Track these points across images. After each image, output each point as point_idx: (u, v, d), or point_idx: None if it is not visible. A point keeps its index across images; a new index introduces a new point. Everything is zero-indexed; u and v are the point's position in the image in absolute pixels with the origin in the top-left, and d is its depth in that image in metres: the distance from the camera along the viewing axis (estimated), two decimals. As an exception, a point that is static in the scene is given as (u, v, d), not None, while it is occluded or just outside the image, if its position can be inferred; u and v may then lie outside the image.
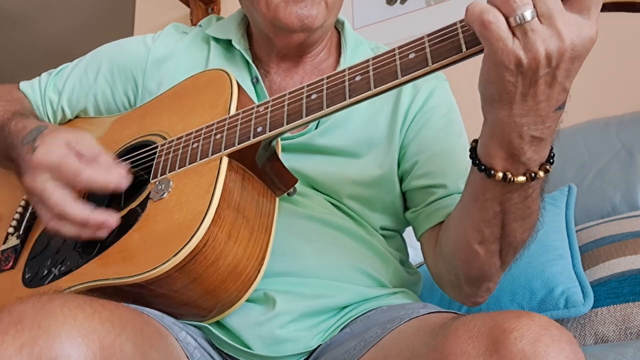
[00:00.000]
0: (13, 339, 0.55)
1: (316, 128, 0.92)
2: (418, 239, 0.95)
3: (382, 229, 0.95)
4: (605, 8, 0.62)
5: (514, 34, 0.59)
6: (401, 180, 0.96)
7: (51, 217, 0.78)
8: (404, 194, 0.96)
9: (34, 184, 0.79)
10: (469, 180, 0.77)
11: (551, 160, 0.70)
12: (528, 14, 0.58)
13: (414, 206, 0.94)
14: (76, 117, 1.06)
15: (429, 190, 0.92)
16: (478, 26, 0.60)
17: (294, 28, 0.90)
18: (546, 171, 0.69)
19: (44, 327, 0.55)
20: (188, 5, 2.53)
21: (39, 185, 0.78)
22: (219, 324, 0.80)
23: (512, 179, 0.68)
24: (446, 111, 0.98)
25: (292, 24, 0.89)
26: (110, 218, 0.78)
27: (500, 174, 0.68)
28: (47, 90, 1.05)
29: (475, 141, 0.73)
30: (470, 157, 0.72)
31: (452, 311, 0.81)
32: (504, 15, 0.59)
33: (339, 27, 1.04)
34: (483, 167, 0.70)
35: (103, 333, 0.58)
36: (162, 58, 1.01)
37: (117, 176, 0.79)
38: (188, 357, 0.74)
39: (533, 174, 0.68)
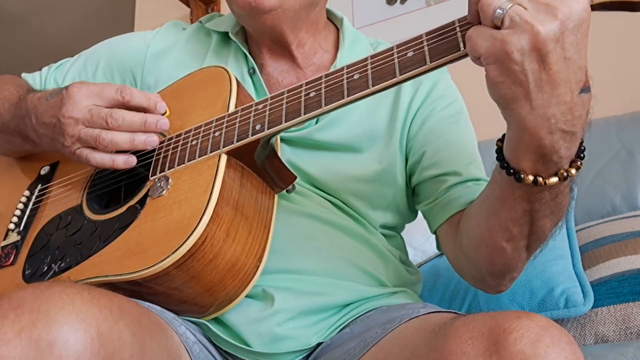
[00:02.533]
0: (12, 323, 0.55)
1: (316, 123, 0.92)
2: (434, 232, 0.92)
3: (382, 227, 0.95)
4: (603, 7, 0.62)
5: (500, 27, 0.58)
6: (411, 174, 0.95)
7: (101, 131, 0.80)
8: (414, 189, 0.95)
9: (77, 109, 0.81)
10: (494, 180, 0.73)
11: (581, 155, 0.66)
12: (506, 3, 0.57)
13: (427, 198, 0.92)
14: None
15: (440, 178, 0.90)
16: (467, 41, 0.60)
17: (245, 12, 0.90)
18: (578, 168, 0.65)
19: (42, 312, 0.56)
20: (188, 5, 2.53)
21: (83, 107, 0.81)
22: (217, 321, 0.80)
23: (543, 183, 0.65)
24: (451, 101, 0.97)
25: (241, 7, 0.89)
26: (163, 119, 0.83)
27: (530, 178, 0.65)
28: (47, 84, 1.05)
29: (501, 140, 0.69)
30: (497, 159, 0.69)
31: (453, 311, 0.81)
32: (486, 25, 0.59)
33: (337, 24, 1.03)
34: (512, 170, 0.66)
35: (101, 319, 0.59)
36: (161, 52, 1.01)
37: (156, 96, 0.84)
38: (187, 351, 0.74)
39: (565, 174, 0.64)
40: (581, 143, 0.65)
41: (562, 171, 0.64)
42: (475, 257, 0.82)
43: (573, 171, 0.65)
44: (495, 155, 0.69)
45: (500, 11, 0.57)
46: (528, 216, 0.71)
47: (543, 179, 0.65)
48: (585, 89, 0.60)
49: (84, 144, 0.82)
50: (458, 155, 0.91)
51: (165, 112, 0.85)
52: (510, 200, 0.70)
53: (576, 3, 0.56)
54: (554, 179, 0.65)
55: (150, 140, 0.82)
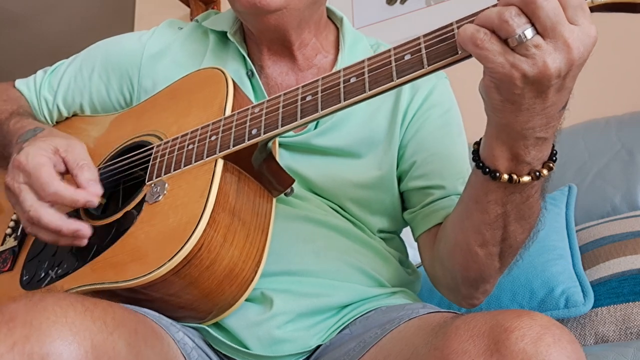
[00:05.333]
0: (5, 337, 0.55)
1: (315, 128, 0.91)
2: (415, 240, 0.95)
3: (380, 231, 0.95)
4: (604, 8, 0.62)
5: (513, 50, 0.58)
6: (399, 181, 0.95)
7: (26, 220, 0.79)
8: (402, 194, 0.96)
9: (12, 183, 0.79)
10: (469, 182, 0.76)
11: (554, 158, 0.70)
12: (529, 32, 0.57)
13: (412, 207, 0.94)
14: (74, 114, 1.05)
15: (427, 191, 0.91)
16: (472, 47, 0.60)
17: (248, 11, 0.89)
18: (550, 169, 0.69)
19: (35, 326, 0.56)
20: (188, 5, 2.53)
21: (16, 185, 0.79)
22: (216, 325, 0.80)
23: (517, 180, 0.68)
24: (445, 110, 0.97)
25: (244, 7, 0.88)
26: (83, 228, 0.78)
27: (505, 176, 0.69)
28: (42, 89, 1.04)
29: (477, 144, 0.72)
30: (473, 159, 0.72)
31: (452, 311, 0.81)
32: (501, 37, 0.58)
33: (337, 23, 1.02)
34: (487, 169, 0.70)
35: (95, 331, 0.58)
36: (158, 53, 0.99)
37: (87, 195, 0.79)
38: (185, 357, 0.74)
39: (537, 173, 0.68)
40: (553, 147, 0.70)
41: (534, 171, 0.69)
42: (449, 263, 0.83)
43: (545, 172, 0.69)
44: (472, 156, 0.72)
45: (519, 38, 0.57)
46: (501, 220, 0.74)
47: (517, 176, 0.68)
48: (565, 105, 0.65)
49: None
50: (447, 169, 0.92)
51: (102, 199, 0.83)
52: (483, 203, 0.73)
53: (588, 38, 0.58)
54: (527, 178, 0.69)
55: (76, 244, 0.79)
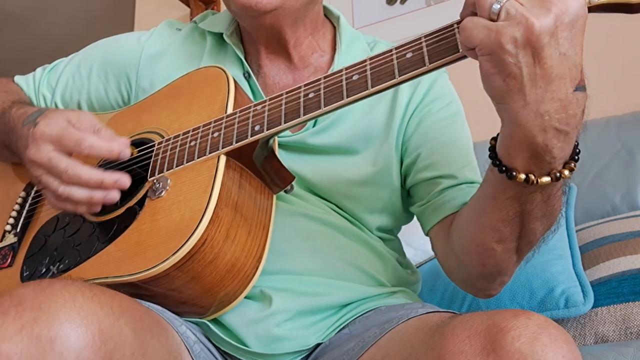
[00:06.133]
0: (14, 319, 0.55)
1: (314, 126, 0.91)
2: (426, 234, 0.92)
3: (379, 230, 0.94)
4: (600, 9, 0.62)
5: (496, 21, 0.58)
6: (406, 176, 0.94)
7: (59, 185, 0.78)
8: (409, 190, 0.95)
9: (39, 155, 0.79)
10: (486, 178, 0.73)
11: (576, 157, 0.65)
12: None
13: (420, 199, 0.92)
14: None
15: (434, 181, 0.90)
16: (462, 36, 0.60)
17: (244, 13, 0.89)
18: (571, 170, 0.64)
19: (43, 309, 0.56)
20: (188, 5, 2.53)
21: (44, 155, 0.79)
22: (216, 321, 0.80)
23: (535, 181, 0.64)
24: (447, 102, 0.96)
25: (239, 8, 0.88)
26: (123, 177, 0.79)
27: (522, 176, 0.64)
28: (40, 87, 1.04)
29: (494, 139, 0.69)
30: (490, 157, 0.68)
31: (451, 311, 0.81)
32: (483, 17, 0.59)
33: (334, 22, 1.02)
34: (504, 168, 0.66)
35: (102, 316, 0.59)
36: (156, 55, 1.00)
37: (120, 144, 0.80)
38: (188, 350, 0.74)
39: (558, 174, 0.64)
40: (576, 146, 0.65)
41: (554, 172, 0.64)
42: (465, 259, 0.81)
43: (566, 172, 0.64)
44: (488, 152, 0.68)
45: (497, 5, 0.57)
46: (519, 218, 0.71)
47: (535, 177, 0.64)
48: (580, 87, 0.60)
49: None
50: (453, 157, 0.90)
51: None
52: (501, 200, 0.70)
53: (572, 0, 0.57)
54: (546, 179, 0.64)
55: (109, 198, 0.79)
